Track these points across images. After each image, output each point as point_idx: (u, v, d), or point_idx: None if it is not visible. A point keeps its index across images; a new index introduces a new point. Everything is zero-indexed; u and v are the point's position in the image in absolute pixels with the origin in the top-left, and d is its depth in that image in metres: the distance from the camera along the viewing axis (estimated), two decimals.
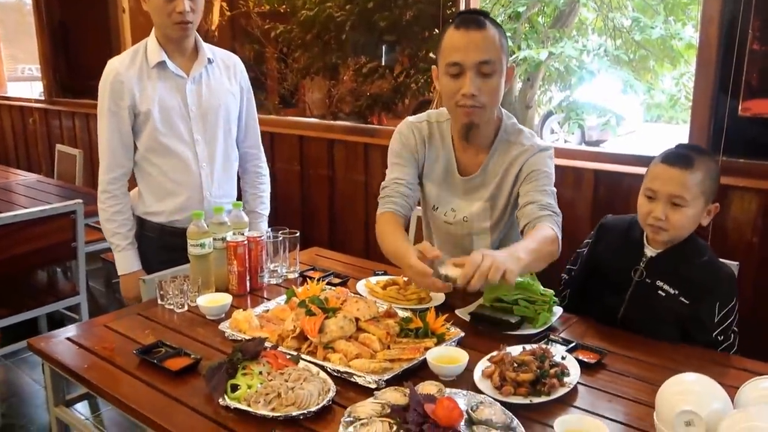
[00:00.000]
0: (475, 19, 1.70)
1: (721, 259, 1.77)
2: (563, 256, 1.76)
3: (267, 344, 1.47)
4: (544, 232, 1.66)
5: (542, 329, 1.64)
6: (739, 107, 2.36)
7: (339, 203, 3.57)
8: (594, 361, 1.49)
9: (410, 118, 1.95)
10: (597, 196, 2.58)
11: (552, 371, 1.38)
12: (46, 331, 2.99)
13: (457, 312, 1.72)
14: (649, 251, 1.74)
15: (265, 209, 2.44)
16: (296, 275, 2.06)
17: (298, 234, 2.07)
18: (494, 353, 1.47)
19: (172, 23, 2.06)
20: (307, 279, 1.92)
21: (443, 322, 1.60)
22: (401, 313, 1.68)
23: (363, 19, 3.95)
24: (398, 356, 1.46)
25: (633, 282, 1.75)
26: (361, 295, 1.82)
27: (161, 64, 2.13)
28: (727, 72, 2.33)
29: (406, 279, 1.89)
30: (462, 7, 3.09)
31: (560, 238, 1.70)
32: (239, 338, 1.58)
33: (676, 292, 1.68)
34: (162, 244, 2.19)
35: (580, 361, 1.46)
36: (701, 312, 1.65)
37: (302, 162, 3.68)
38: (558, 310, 1.72)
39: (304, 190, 3.72)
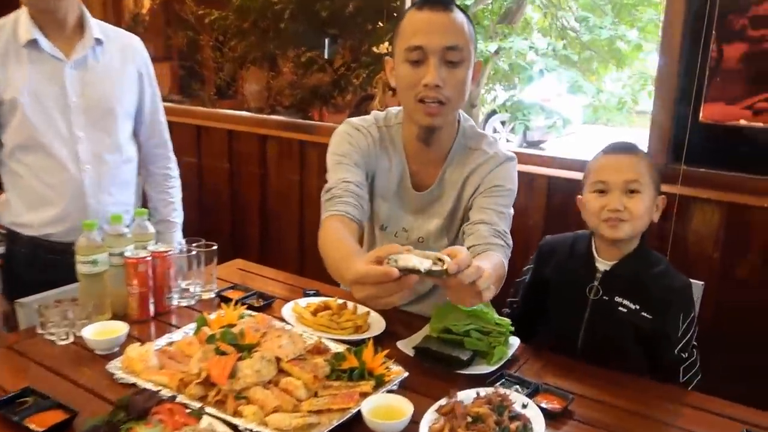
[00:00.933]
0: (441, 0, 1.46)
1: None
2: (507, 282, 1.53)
3: (164, 394, 1.18)
4: (497, 260, 1.40)
5: (497, 366, 1.41)
6: (701, 113, 2.20)
7: (272, 203, 3.27)
8: (559, 408, 1.26)
9: (354, 120, 1.65)
10: (551, 205, 2.38)
11: (513, 427, 1.14)
12: None
13: (400, 345, 1.47)
14: (602, 265, 1.59)
15: (178, 216, 2.13)
16: (212, 295, 1.76)
17: (215, 247, 1.77)
18: (443, 401, 1.22)
19: None
20: (223, 303, 1.63)
21: (383, 360, 1.34)
22: (333, 348, 1.41)
23: (303, 9, 3.69)
24: (328, 406, 1.20)
25: (589, 302, 1.58)
26: (286, 322, 1.54)
27: (33, 44, 1.75)
28: (689, 76, 2.17)
29: (340, 302, 1.62)
30: (407, 3, 2.85)
31: (506, 269, 1.46)
32: (131, 382, 1.28)
33: (638, 307, 1.54)
34: (35, 262, 1.84)
35: (543, 410, 1.23)
36: (666, 326, 1.53)
37: (231, 159, 3.36)
38: (515, 342, 1.50)
39: (233, 189, 3.40)
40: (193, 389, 1.22)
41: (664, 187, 2.16)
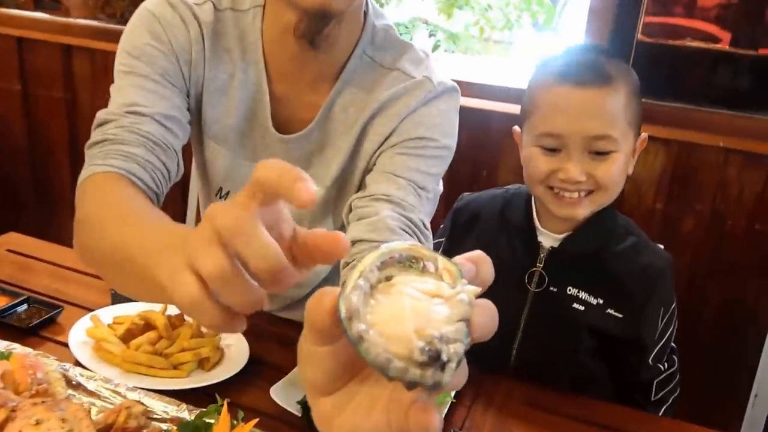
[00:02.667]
0: None
1: None
2: None
3: None
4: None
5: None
6: (639, 29, 1.76)
7: (85, 139, 2.46)
8: None
9: None
10: (459, 146, 1.86)
11: None
12: None
13: (274, 396, 0.88)
14: (547, 240, 1.09)
15: None
16: None
17: None
18: None
19: None
20: None
21: None
22: (159, 413, 0.80)
23: None
24: None
25: (529, 295, 1.08)
26: (76, 362, 0.90)
27: None
28: None
29: (173, 314, 0.99)
30: None
31: None
32: None
33: (600, 301, 1.06)
34: None
35: None
36: (642, 328, 1.07)
37: (24, 78, 2.48)
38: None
39: (30, 121, 2.53)
40: None
41: None
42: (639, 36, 1.77)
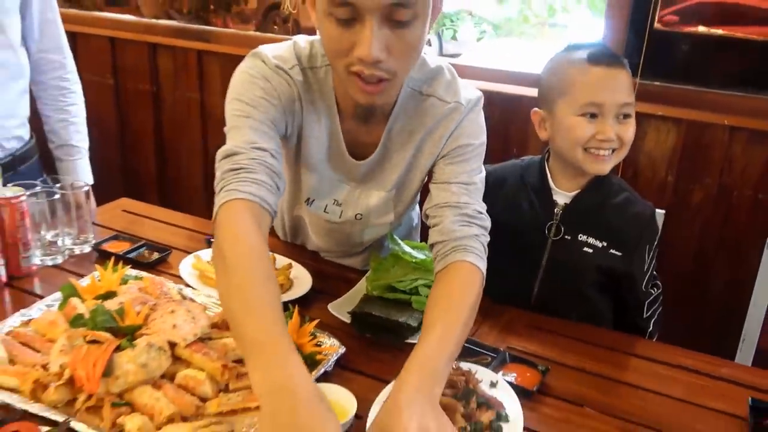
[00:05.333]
0: None
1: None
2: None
3: (12, 403, 0.85)
4: (467, 282, 1.02)
5: None
6: (656, 18, 1.96)
7: (168, 128, 2.82)
8: (536, 386, 1.02)
9: (268, 52, 1.12)
10: (492, 125, 2.10)
11: (484, 417, 0.89)
12: None
13: (331, 309, 1.18)
14: (561, 197, 1.34)
15: (83, 140, 1.77)
16: (88, 249, 1.39)
17: (86, 187, 1.38)
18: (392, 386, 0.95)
19: None
20: (107, 256, 1.27)
21: (312, 333, 1.05)
22: None
23: None
24: (243, 405, 0.91)
25: (549, 243, 1.34)
26: (185, 284, 1.21)
27: None
28: None
29: None
30: None
31: (485, 266, 1.07)
32: None
33: (605, 244, 1.32)
34: None
35: (516, 388, 0.99)
36: (635, 263, 1.33)
37: (116, 73, 2.85)
38: None
39: (120, 111, 2.90)
40: (53, 394, 0.88)
41: None
42: (656, 25, 1.97)
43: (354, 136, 1.19)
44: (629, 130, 1.27)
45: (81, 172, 1.74)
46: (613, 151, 1.27)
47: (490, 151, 1.31)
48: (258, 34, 2.76)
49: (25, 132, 1.67)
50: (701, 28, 1.93)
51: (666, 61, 1.96)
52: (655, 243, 1.36)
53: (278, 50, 1.13)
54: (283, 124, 1.12)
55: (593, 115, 1.25)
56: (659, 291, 1.38)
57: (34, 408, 0.87)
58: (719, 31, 1.92)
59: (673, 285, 1.98)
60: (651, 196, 1.95)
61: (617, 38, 1.99)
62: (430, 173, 1.21)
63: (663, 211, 1.63)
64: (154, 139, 2.85)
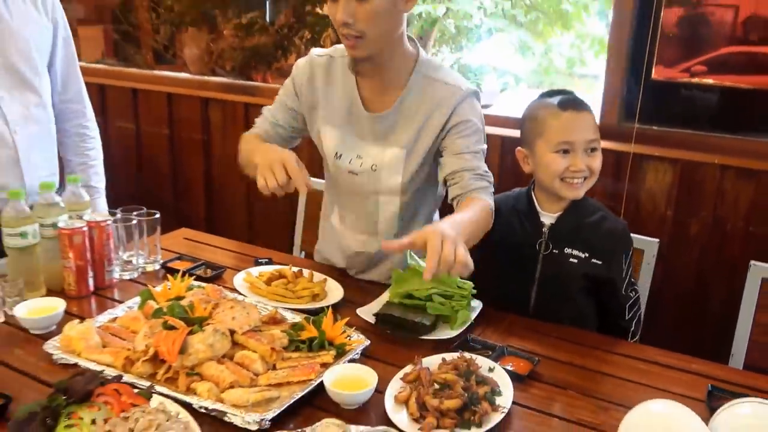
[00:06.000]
0: None
1: (638, 235, 1.73)
2: None
3: (108, 373, 1.09)
4: (481, 204, 1.44)
5: (461, 330, 1.37)
6: (653, 70, 2.20)
7: (216, 171, 3.13)
8: (526, 372, 1.23)
9: (314, 50, 1.67)
10: (504, 165, 2.35)
11: (481, 391, 1.10)
12: None
13: (360, 312, 1.41)
14: (547, 218, 1.58)
15: (101, 181, 1.97)
16: (157, 266, 1.65)
17: (158, 215, 1.66)
18: (408, 369, 1.18)
19: None
20: (169, 274, 1.53)
21: (343, 328, 1.28)
22: (290, 318, 1.34)
23: None
24: (287, 379, 1.14)
25: (540, 256, 1.56)
26: (239, 293, 1.46)
27: None
28: (642, 31, 2.16)
29: (295, 270, 1.55)
30: None
31: (493, 205, 1.49)
32: (72, 362, 1.18)
33: (587, 255, 1.54)
34: None
35: (510, 373, 1.20)
36: (613, 270, 1.55)
37: (171, 124, 3.19)
38: (477, 305, 1.46)
39: (174, 158, 3.23)
40: (140, 367, 1.14)
41: (619, 146, 2.18)
42: (653, 76, 2.21)
43: (370, 101, 1.57)
44: (596, 161, 1.50)
45: (99, 210, 1.88)
46: (585, 179, 1.50)
47: (501, 189, 1.60)
48: None
49: (57, 179, 1.84)
50: (695, 80, 2.17)
51: (661, 107, 2.19)
52: (630, 253, 1.57)
53: (327, 48, 1.66)
54: (295, 105, 1.67)
55: (566, 151, 1.49)
56: (637, 295, 1.58)
57: (126, 378, 1.12)
58: (709, 81, 2.15)
59: (674, 306, 2.17)
60: (652, 228, 2.17)
61: (616, 88, 2.23)
62: (440, 149, 1.54)
63: (657, 240, 1.82)
64: (203, 182, 3.16)
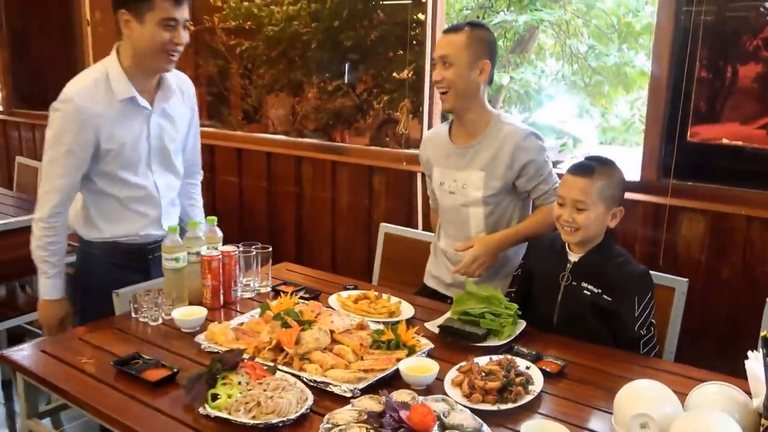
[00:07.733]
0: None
1: (670, 275, 2.00)
2: None
3: (244, 356, 1.52)
4: (545, 208, 2.09)
5: (507, 341, 1.73)
6: (688, 133, 2.52)
7: (306, 219, 3.61)
8: (556, 371, 1.58)
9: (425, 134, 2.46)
10: None
11: (518, 380, 1.46)
12: (6, 346, 2.93)
13: (427, 325, 1.80)
14: (572, 257, 1.89)
15: (202, 217, 2.34)
16: (268, 289, 2.10)
17: (270, 249, 2.12)
18: (463, 363, 1.54)
19: (163, 54, 1.89)
20: (281, 293, 1.97)
21: (413, 335, 1.67)
22: (373, 326, 1.74)
23: (329, 38, 3.97)
24: (371, 366, 1.53)
25: (562, 287, 1.89)
26: (333, 309, 1.88)
27: (130, 99, 1.95)
28: (676, 100, 2.49)
29: (377, 294, 1.96)
30: (428, 33, 3.19)
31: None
32: (215, 350, 1.62)
33: (599, 290, 1.83)
34: (111, 261, 2.06)
35: (543, 371, 1.54)
36: (622, 308, 1.79)
37: (269, 178, 3.71)
38: (521, 323, 1.81)
39: (271, 206, 3.74)
40: (266, 353, 1.56)
41: (656, 199, 2.50)
42: (687, 138, 2.53)
43: (460, 140, 2.18)
44: (580, 217, 1.79)
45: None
46: (575, 230, 1.81)
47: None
48: (378, 148, 3.51)
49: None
50: (725, 141, 2.48)
51: (695, 165, 2.50)
52: (648, 296, 1.82)
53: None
54: (428, 168, 2.32)
55: (561, 204, 1.84)
56: (651, 334, 1.81)
57: (257, 360, 1.54)
58: (738, 143, 2.45)
59: (710, 344, 2.41)
60: (688, 272, 2.44)
61: (654, 148, 2.56)
62: (525, 189, 2.13)
63: (686, 280, 2.10)
64: (294, 226, 3.65)
